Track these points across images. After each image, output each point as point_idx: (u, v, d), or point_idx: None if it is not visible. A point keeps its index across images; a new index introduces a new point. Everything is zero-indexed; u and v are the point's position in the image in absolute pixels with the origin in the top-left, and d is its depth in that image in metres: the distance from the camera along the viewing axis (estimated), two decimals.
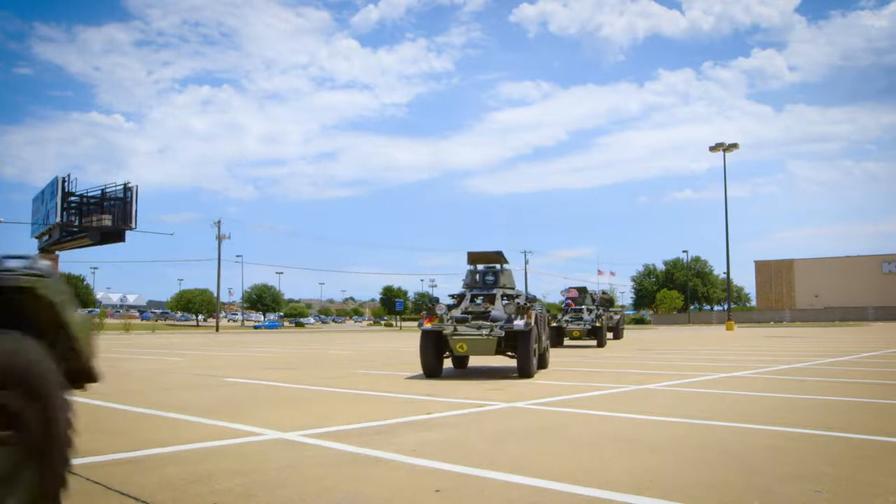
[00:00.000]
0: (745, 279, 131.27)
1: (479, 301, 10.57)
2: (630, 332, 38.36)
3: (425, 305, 12.45)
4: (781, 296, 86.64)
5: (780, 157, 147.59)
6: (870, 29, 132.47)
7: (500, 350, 9.93)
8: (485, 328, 9.65)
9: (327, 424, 5.69)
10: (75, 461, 4.16)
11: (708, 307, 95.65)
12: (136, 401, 7.41)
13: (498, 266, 11.40)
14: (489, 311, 10.04)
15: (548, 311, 13.10)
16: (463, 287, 11.12)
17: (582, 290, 23.93)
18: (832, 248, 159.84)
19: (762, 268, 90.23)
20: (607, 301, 27.77)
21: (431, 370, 9.89)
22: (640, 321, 78.14)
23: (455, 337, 9.67)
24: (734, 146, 47.65)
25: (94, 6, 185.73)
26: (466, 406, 6.78)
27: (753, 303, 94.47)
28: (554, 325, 19.31)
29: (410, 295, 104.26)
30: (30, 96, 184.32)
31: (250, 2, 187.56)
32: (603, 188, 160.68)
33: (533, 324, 9.72)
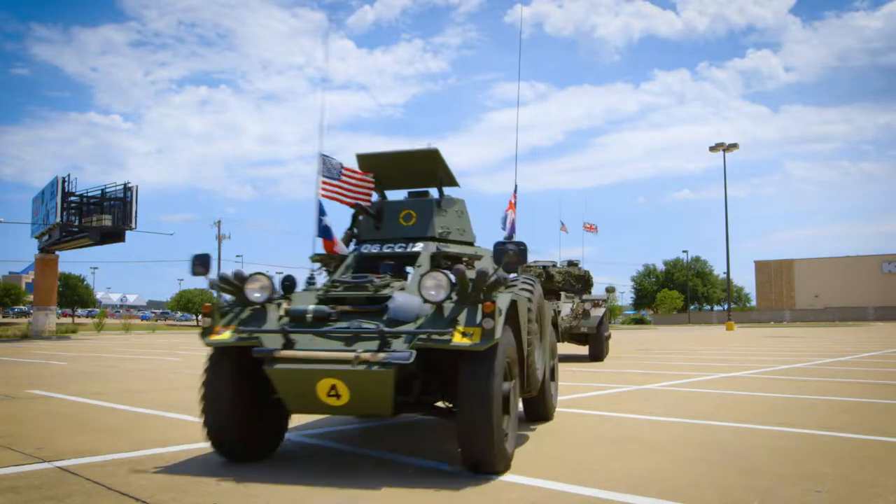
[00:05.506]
0: (745, 279, 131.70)
1: (365, 274, 4.56)
2: (628, 334, 37.96)
3: (215, 284, 4.27)
4: (781, 296, 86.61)
5: (778, 158, 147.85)
6: (864, 30, 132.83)
7: (407, 396, 4.08)
8: (364, 340, 3.84)
9: (323, 425, 5.68)
10: (75, 461, 4.18)
11: (708, 307, 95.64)
12: (136, 401, 7.41)
13: (433, 194, 5.46)
14: (390, 295, 4.12)
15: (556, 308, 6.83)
16: (342, 240, 5.43)
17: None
18: (832, 248, 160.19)
19: (762, 268, 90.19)
20: (579, 280, 14.72)
21: (229, 440, 4.13)
22: (639, 321, 78.13)
23: (281, 367, 3.80)
24: (734, 146, 47.62)
25: (91, 7, 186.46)
26: None
27: (753, 303, 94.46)
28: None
29: None
30: (28, 97, 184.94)
31: (246, 3, 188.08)
32: (601, 188, 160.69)
33: (500, 328, 3.76)
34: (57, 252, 32.82)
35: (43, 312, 31.73)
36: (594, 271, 19.89)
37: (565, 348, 15.31)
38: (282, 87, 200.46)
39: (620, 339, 26.25)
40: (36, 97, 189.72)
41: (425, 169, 5.34)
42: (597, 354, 13.67)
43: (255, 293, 4.19)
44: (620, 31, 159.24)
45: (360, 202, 5.24)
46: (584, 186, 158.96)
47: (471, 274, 3.89)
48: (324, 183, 5.29)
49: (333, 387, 3.75)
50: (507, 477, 3.72)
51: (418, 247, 4.90)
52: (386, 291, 4.18)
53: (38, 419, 6.19)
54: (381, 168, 5.41)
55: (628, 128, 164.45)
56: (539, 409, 5.63)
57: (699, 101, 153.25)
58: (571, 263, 15.45)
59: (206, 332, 4.17)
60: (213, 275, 4.25)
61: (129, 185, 29.19)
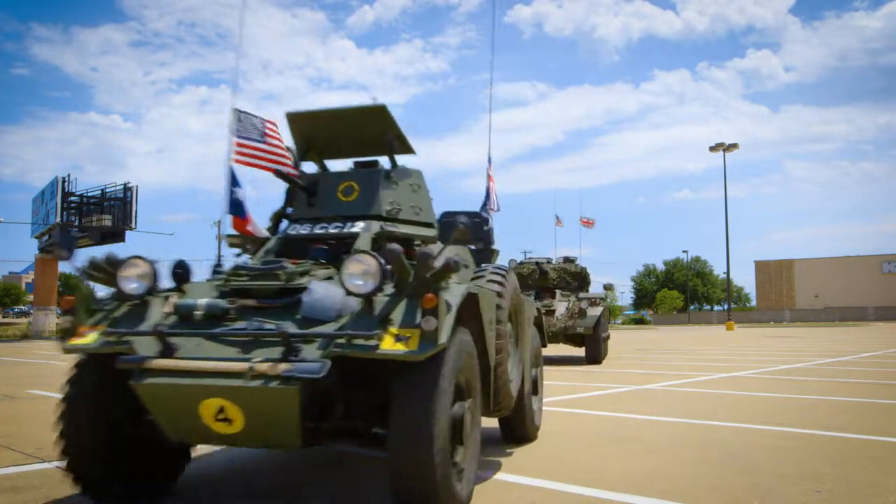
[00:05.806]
0: (745, 279, 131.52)
1: (278, 259, 3.54)
2: (628, 334, 37.93)
3: (82, 271, 3.27)
4: (781, 296, 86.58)
5: (778, 158, 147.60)
6: (864, 30, 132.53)
7: (323, 421, 3.07)
8: (267, 346, 2.88)
9: None
10: None
11: (708, 307, 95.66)
12: None
13: (385, 164, 4.51)
14: (307, 287, 3.11)
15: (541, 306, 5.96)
16: (270, 219, 4.62)
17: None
18: (832, 248, 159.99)
19: (762, 268, 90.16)
20: (576, 277, 14.42)
21: (94, 476, 3.19)
22: (639, 321, 78.14)
23: (151, 382, 2.85)
24: (734, 146, 47.59)
25: (91, 7, 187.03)
26: None
27: (753, 303, 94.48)
28: None
29: None
30: (28, 97, 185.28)
31: (246, 3, 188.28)
32: (601, 188, 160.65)
33: (447, 331, 2.82)
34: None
35: (43, 312, 31.72)
36: (593, 271, 18.83)
37: (563, 349, 15.12)
38: (282, 86, 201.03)
39: (620, 339, 26.22)
40: (36, 97, 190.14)
41: (372, 132, 4.26)
42: (594, 357, 12.54)
43: (131, 283, 3.18)
44: (620, 32, 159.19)
45: (282, 168, 4.03)
46: (583, 186, 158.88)
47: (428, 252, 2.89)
48: (238, 145, 4.27)
49: (222, 409, 2.78)
50: (507, 477, 3.72)
51: (358, 226, 3.91)
52: (302, 281, 3.16)
53: (38, 419, 6.18)
54: (317, 131, 4.39)
55: (628, 128, 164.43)
56: (516, 430, 4.67)
57: (699, 101, 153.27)
58: (567, 260, 14.79)
59: (66, 335, 3.14)
60: (80, 260, 3.36)
61: (129, 185, 29.23)
